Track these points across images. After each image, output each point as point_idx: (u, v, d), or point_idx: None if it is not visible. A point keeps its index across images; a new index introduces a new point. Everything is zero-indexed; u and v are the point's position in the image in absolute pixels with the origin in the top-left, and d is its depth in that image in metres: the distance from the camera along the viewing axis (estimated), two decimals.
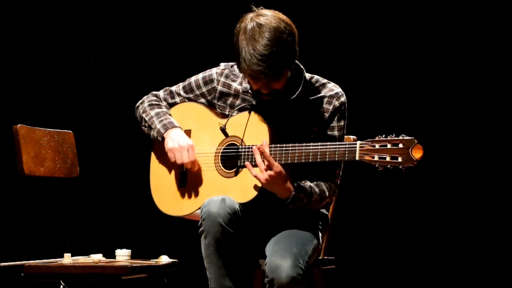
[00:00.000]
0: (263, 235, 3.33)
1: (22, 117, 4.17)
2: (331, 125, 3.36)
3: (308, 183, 3.30)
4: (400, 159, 3.04)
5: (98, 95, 5.36)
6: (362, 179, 4.87)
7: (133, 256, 3.68)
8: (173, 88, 3.58)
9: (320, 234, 3.43)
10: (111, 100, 5.34)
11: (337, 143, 3.17)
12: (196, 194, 3.41)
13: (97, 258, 3.57)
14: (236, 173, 3.34)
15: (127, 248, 3.68)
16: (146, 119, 3.52)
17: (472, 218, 5.02)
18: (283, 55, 3.18)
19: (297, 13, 3.33)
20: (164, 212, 3.49)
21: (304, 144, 3.20)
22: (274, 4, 3.32)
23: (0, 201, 5.09)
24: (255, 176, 3.21)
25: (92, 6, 5.35)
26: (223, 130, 3.38)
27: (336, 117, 3.36)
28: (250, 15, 3.25)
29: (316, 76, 3.43)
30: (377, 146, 3.07)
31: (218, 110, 3.48)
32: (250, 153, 3.28)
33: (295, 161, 3.21)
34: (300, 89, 3.35)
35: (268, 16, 3.22)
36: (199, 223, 3.21)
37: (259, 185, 3.24)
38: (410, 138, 3.05)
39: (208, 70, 3.54)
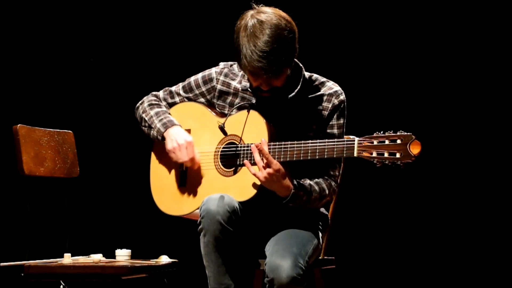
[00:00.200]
0: (263, 234, 3.33)
1: (22, 117, 4.17)
2: (331, 123, 3.36)
3: (307, 181, 3.30)
4: (398, 155, 3.04)
5: (98, 95, 5.36)
6: (362, 179, 4.88)
7: (133, 256, 3.67)
8: (173, 88, 3.59)
9: (320, 234, 3.43)
10: (111, 100, 5.34)
11: (336, 139, 3.17)
12: (196, 194, 3.41)
13: (97, 258, 3.56)
14: (235, 172, 3.34)
15: (127, 248, 3.68)
16: (146, 118, 3.52)
17: (472, 216, 5.02)
18: (283, 52, 3.19)
19: (295, 12, 3.33)
20: (164, 212, 3.49)
21: (302, 142, 3.20)
22: (274, 2, 3.33)
23: (0, 201, 5.09)
24: (254, 174, 3.21)
25: (92, 6, 5.35)
26: (221, 128, 3.38)
27: (336, 115, 3.36)
28: (251, 12, 3.26)
29: (315, 75, 3.43)
30: (375, 142, 3.07)
31: (217, 109, 3.49)
32: (249, 151, 3.28)
33: (294, 159, 3.20)
34: (299, 87, 3.35)
35: (269, 13, 3.23)
36: (198, 221, 3.21)
37: (258, 183, 3.24)
38: (408, 134, 3.05)
39: (207, 70, 3.54)
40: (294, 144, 3.21)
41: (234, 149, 3.35)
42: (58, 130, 3.92)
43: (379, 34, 5.14)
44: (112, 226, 5.24)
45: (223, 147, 3.39)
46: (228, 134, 3.38)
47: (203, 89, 3.51)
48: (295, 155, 3.20)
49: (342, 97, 3.38)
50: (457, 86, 5.04)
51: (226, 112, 3.45)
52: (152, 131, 3.50)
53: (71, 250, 3.67)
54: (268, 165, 3.18)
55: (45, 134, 3.83)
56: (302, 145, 3.20)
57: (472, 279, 5.02)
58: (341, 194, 3.60)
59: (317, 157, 3.17)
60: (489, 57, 4.99)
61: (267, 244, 3.28)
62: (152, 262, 3.57)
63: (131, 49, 5.40)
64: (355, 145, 3.10)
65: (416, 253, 5.09)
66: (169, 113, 3.53)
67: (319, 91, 3.38)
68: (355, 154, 3.10)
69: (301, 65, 3.39)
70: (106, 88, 5.38)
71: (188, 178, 3.45)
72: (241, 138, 3.35)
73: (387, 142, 3.05)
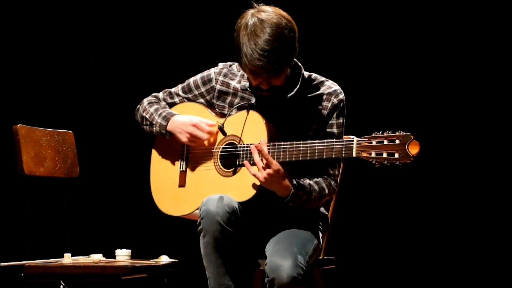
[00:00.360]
0: (263, 235, 3.33)
1: (22, 117, 4.18)
2: (330, 122, 3.36)
3: (307, 181, 3.30)
4: (397, 155, 3.03)
5: (98, 95, 5.36)
6: (361, 179, 4.87)
7: (133, 256, 3.67)
8: (172, 90, 3.59)
9: (320, 234, 3.43)
10: (111, 100, 5.34)
11: (334, 140, 3.17)
12: (196, 194, 3.40)
13: (97, 258, 3.56)
14: (235, 172, 3.34)
15: (127, 248, 3.68)
16: (147, 116, 3.52)
17: (471, 216, 5.01)
18: (284, 50, 3.19)
19: (295, 11, 3.33)
20: (164, 212, 3.49)
21: (301, 142, 3.20)
22: (274, 2, 3.33)
23: (0, 201, 5.09)
24: (254, 175, 3.21)
25: (92, 6, 5.35)
26: (221, 129, 3.38)
27: (335, 115, 3.36)
28: (251, 11, 3.26)
29: (314, 74, 3.43)
30: (374, 142, 3.07)
31: (217, 109, 3.49)
32: (248, 151, 3.28)
33: (293, 159, 3.20)
34: (298, 87, 3.35)
35: (269, 12, 3.23)
36: (198, 221, 3.21)
37: (258, 183, 3.23)
38: (406, 134, 3.04)
39: (206, 71, 3.54)
40: (293, 144, 3.21)
41: (234, 149, 3.35)
42: (58, 130, 3.92)
43: (378, 34, 5.14)
44: (112, 226, 5.25)
45: (223, 148, 3.39)
46: (228, 134, 3.38)
47: (203, 89, 3.51)
48: (294, 156, 3.20)
49: (342, 96, 3.38)
50: (456, 86, 5.04)
51: (225, 112, 3.45)
52: (154, 128, 3.50)
53: (71, 250, 3.67)
54: (267, 165, 3.18)
55: (45, 134, 3.83)
56: (301, 145, 3.20)
57: (472, 279, 5.02)
58: (341, 194, 3.60)
59: (316, 157, 3.17)
60: (488, 57, 4.99)
61: (267, 244, 3.27)
62: (152, 262, 3.57)
63: (131, 49, 5.40)
64: (354, 146, 3.10)
65: (416, 253, 5.09)
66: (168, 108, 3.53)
67: (319, 90, 3.38)
68: (354, 155, 3.10)
69: (300, 64, 3.39)
70: (106, 88, 5.38)
71: (188, 179, 3.45)
72: (240, 139, 3.35)
73: (385, 142, 3.05)
